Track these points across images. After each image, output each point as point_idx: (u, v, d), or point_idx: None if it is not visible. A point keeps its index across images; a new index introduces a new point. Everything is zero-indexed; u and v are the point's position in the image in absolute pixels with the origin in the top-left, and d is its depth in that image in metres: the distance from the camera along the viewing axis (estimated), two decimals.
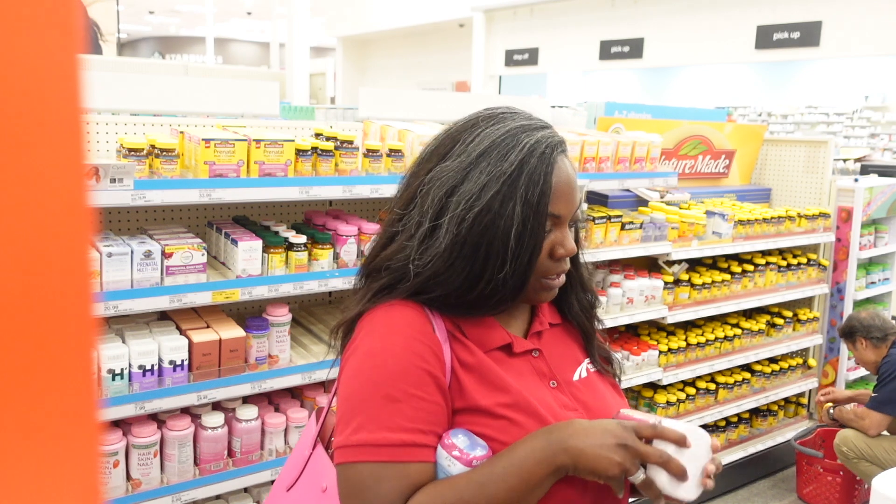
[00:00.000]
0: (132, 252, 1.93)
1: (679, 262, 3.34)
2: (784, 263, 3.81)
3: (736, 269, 3.58)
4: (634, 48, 13.17)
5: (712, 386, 3.59)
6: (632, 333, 3.45)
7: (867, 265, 4.23)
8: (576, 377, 1.15)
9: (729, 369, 3.72)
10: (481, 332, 1.09)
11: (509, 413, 1.02)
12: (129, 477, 2.02)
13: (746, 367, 3.82)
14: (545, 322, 1.17)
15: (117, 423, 2.03)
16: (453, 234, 1.02)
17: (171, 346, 2.02)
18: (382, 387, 0.99)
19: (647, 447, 0.97)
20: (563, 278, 1.11)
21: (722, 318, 3.75)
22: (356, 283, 1.16)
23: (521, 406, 1.03)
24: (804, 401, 4.21)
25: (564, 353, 1.17)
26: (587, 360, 1.19)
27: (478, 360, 1.06)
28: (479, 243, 1.02)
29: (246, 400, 2.27)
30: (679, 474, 0.95)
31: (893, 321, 3.55)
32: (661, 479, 0.96)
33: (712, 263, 3.65)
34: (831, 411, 3.56)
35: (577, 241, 1.18)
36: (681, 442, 0.97)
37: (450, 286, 1.04)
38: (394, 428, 0.97)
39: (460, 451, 0.98)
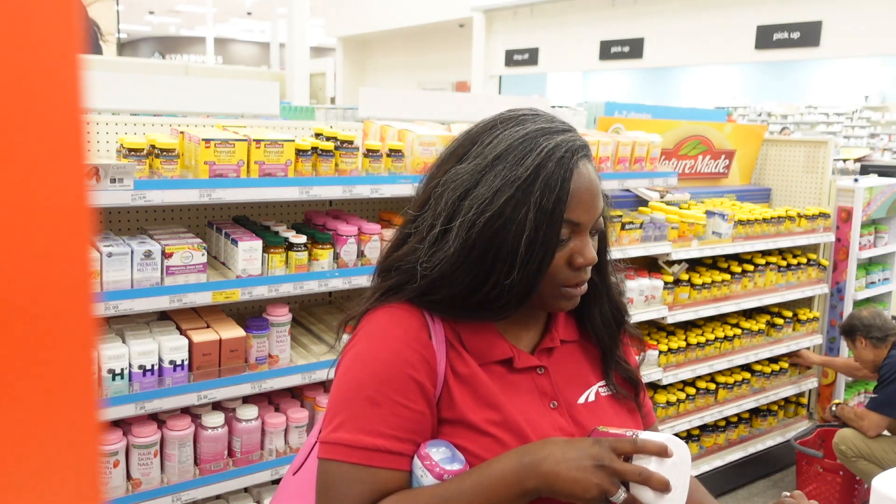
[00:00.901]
0: (132, 252, 1.93)
1: (679, 262, 3.34)
2: (784, 263, 3.81)
3: (736, 269, 3.58)
4: (634, 48, 13.18)
5: (712, 386, 3.59)
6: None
7: (867, 265, 4.23)
8: (581, 400, 1.10)
9: (729, 369, 3.72)
10: (482, 343, 1.06)
11: (496, 431, 1.00)
12: (129, 477, 2.02)
13: (746, 367, 3.82)
14: (556, 339, 1.13)
15: (117, 423, 2.03)
16: (462, 238, 0.99)
17: (171, 346, 2.02)
18: (366, 389, 0.99)
19: (626, 465, 0.92)
20: (584, 287, 1.07)
21: (722, 318, 3.75)
22: (372, 280, 1.15)
23: (509, 425, 1.01)
24: (804, 401, 4.22)
25: (574, 374, 1.12)
26: (600, 383, 1.14)
27: (472, 373, 1.03)
28: (488, 249, 0.99)
29: (246, 400, 2.27)
30: (662, 488, 0.91)
31: (895, 321, 3.55)
32: (644, 494, 0.92)
33: (712, 263, 3.65)
34: (833, 408, 3.57)
35: (603, 249, 1.15)
36: (662, 452, 0.93)
37: (455, 289, 1.01)
38: (370, 432, 0.97)
39: (434, 462, 0.96)
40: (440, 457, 0.97)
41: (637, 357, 1.24)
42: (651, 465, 0.93)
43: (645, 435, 0.97)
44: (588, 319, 1.16)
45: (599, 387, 1.14)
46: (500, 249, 0.99)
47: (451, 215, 1.01)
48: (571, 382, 1.11)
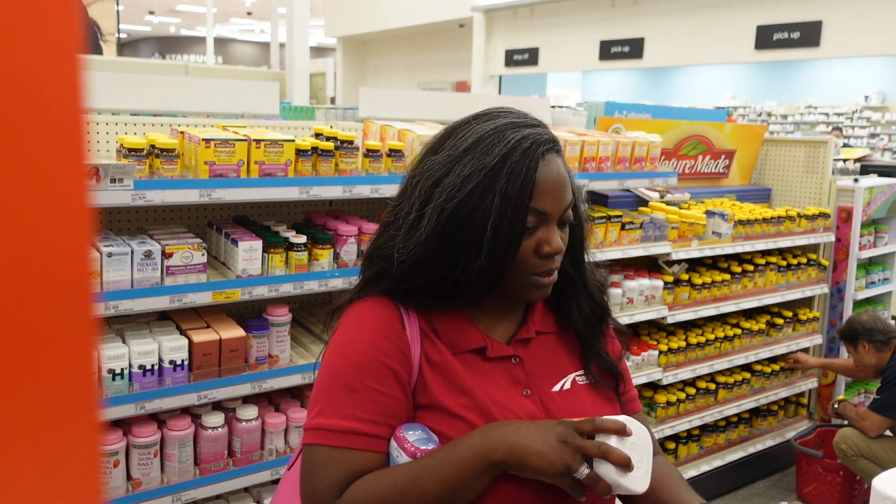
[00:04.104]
0: (132, 252, 1.93)
1: (679, 262, 3.34)
2: (784, 263, 3.81)
3: (736, 269, 3.58)
4: (634, 48, 13.18)
5: (712, 386, 3.59)
6: (632, 333, 3.44)
7: (867, 265, 4.23)
8: (556, 388, 1.14)
9: (729, 369, 3.72)
10: (456, 334, 1.11)
11: (467, 414, 1.05)
12: (129, 477, 2.02)
13: (746, 367, 3.82)
14: (532, 330, 1.16)
15: (117, 423, 2.03)
16: (433, 224, 1.05)
17: (172, 346, 2.02)
18: (343, 377, 1.05)
19: (587, 441, 0.97)
20: (554, 277, 1.11)
21: (722, 318, 3.75)
22: (359, 270, 1.21)
23: (479, 409, 1.05)
24: (804, 401, 4.22)
25: (550, 363, 1.16)
26: (577, 373, 1.17)
27: (444, 360, 1.08)
28: (457, 234, 1.04)
29: (246, 400, 2.27)
30: (622, 462, 0.95)
31: (894, 323, 3.55)
32: (607, 471, 0.95)
33: (712, 263, 3.65)
34: (836, 405, 3.56)
35: (579, 245, 1.19)
36: (621, 431, 0.98)
37: (428, 275, 1.07)
38: (348, 416, 1.02)
39: (409, 443, 1.01)
40: (415, 438, 1.02)
41: (623, 353, 1.27)
42: (611, 443, 0.97)
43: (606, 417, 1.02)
44: (565, 313, 1.20)
45: (576, 376, 1.17)
46: (469, 234, 1.04)
47: (424, 202, 1.07)
48: (547, 371, 1.15)
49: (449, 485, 0.97)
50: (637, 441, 0.98)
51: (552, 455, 0.96)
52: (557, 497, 1.02)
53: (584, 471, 0.95)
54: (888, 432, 3.34)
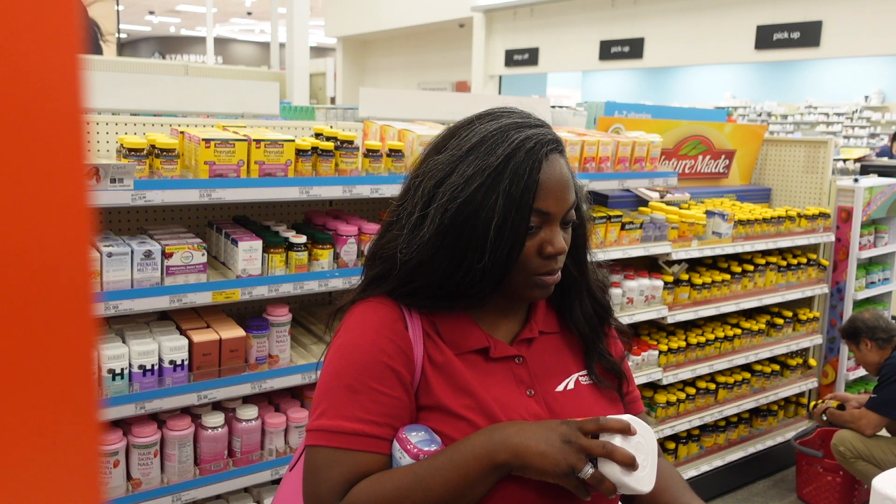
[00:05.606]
0: (132, 252, 1.93)
1: (679, 262, 3.34)
2: (784, 263, 3.81)
3: (736, 269, 3.58)
4: (634, 48, 13.19)
5: (712, 386, 3.59)
6: (632, 333, 3.44)
7: (867, 265, 4.23)
8: (560, 388, 1.13)
9: (729, 369, 3.72)
10: (459, 334, 1.10)
11: (471, 415, 1.04)
12: (129, 477, 2.02)
13: (746, 367, 3.82)
14: (535, 330, 1.16)
15: (117, 423, 2.03)
16: (437, 224, 1.04)
17: (172, 346, 2.02)
18: (345, 378, 1.05)
19: (591, 441, 0.97)
20: (557, 276, 1.11)
21: (722, 318, 3.75)
22: (361, 270, 1.20)
23: (483, 410, 1.05)
24: (804, 401, 4.21)
25: (554, 363, 1.16)
26: (580, 373, 1.17)
27: (447, 361, 1.08)
28: (461, 234, 1.04)
29: (246, 400, 2.27)
30: (627, 461, 0.95)
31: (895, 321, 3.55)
32: (612, 470, 0.95)
33: (712, 263, 3.65)
34: (824, 417, 3.53)
35: (582, 245, 1.19)
36: (625, 430, 0.97)
37: (432, 275, 1.06)
38: (350, 417, 1.02)
39: (412, 444, 1.00)
40: (417, 439, 1.01)
41: (625, 354, 1.27)
42: (616, 442, 0.97)
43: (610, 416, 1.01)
44: (568, 313, 1.20)
45: (580, 376, 1.17)
46: (472, 235, 1.03)
47: (427, 202, 1.06)
48: (550, 371, 1.15)
49: (452, 487, 0.97)
50: (642, 440, 0.98)
51: (556, 455, 0.95)
52: (562, 498, 1.01)
53: (588, 471, 0.95)
54: (886, 433, 3.34)
